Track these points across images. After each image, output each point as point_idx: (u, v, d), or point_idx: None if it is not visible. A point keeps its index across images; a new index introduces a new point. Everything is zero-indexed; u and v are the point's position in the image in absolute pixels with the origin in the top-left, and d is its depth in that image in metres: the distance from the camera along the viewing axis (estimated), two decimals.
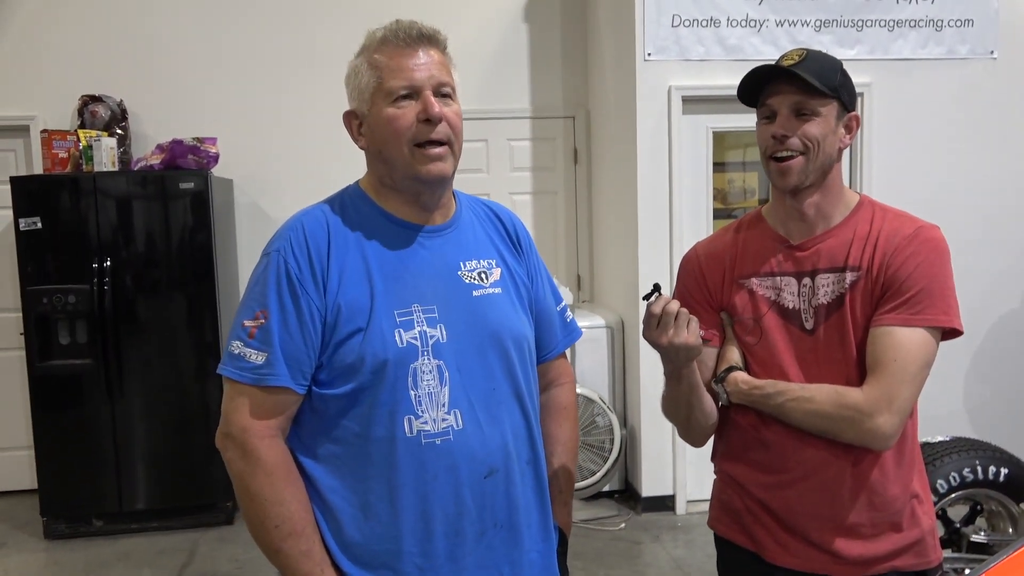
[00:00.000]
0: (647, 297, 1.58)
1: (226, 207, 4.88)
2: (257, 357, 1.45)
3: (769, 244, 1.74)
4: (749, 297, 1.73)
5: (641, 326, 1.62)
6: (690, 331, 1.57)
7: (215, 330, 4.49)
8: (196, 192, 4.42)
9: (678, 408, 1.76)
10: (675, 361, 1.65)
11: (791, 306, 1.69)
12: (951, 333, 1.64)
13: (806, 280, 1.69)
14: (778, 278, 1.71)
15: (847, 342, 1.65)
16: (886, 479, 1.67)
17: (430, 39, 1.51)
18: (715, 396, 1.75)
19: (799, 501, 1.68)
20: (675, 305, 1.56)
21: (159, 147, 4.55)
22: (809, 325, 1.68)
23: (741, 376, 1.71)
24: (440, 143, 1.49)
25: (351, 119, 1.57)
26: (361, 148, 1.57)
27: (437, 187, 1.54)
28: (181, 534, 4.44)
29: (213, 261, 4.47)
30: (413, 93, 1.48)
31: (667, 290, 1.68)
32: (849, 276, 1.66)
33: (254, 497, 1.45)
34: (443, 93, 1.51)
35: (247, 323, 1.47)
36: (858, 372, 1.64)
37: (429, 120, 1.47)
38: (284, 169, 5.05)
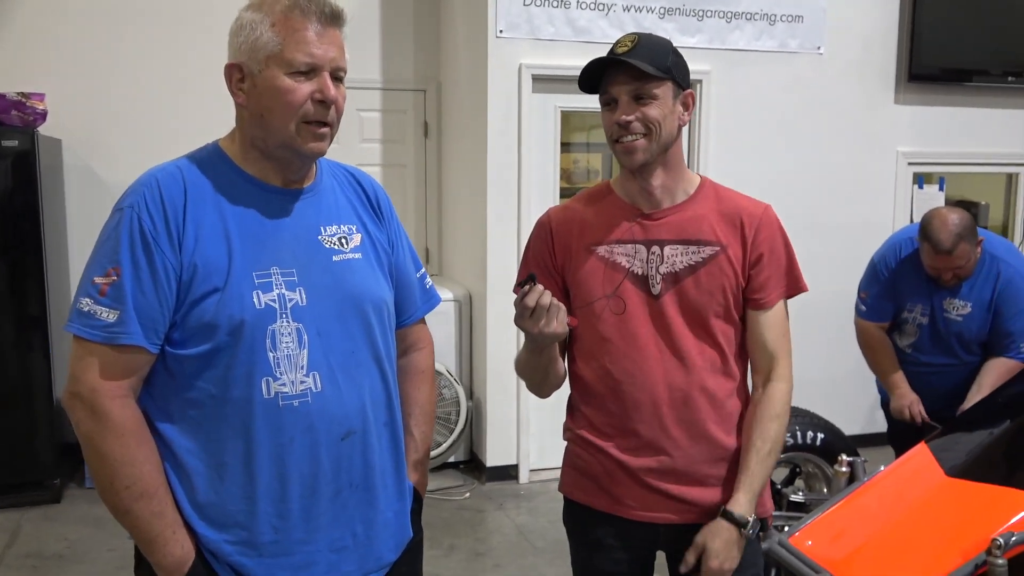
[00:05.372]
0: (523, 284, 1.66)
1: (54, 169, 4.59)
2: (108, 315, 1.41)
3: (620, 213, 1.85)
4: (601, 264, 1.83)
5: (508, 309, 1.72)
6: (559, 321, 1.68)
7: (41, 301, 4.23)
8: (20, 152, 4.13)
9: (535, 372, 1.90)
10: (540, 344, 1.76)
11: (640, 272, 1.81)
12: None
13: (655, 248, 1.81)
14: (630, 245, 1.82)
15: (691, 308, 1.80)
16: (731, 434, 1.84)
17: (338, 19, 1.51)
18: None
19: (656, 460, 1.82)
20: (547, 298, 1.66)
21: None
22: (656, 291, 1.80)
23: None
24: (326, 124, 1.51)
25: (233, 71, 1.52)
26: (238, 103, 1.54)
27: (309, 161, 1.57)
28: (2, 514, 4.18)
29: (40, 226, 4.19)
30: (312, 71, 1.48)
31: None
32: (707, 250, 1.80)
33: (104, 458, 1.42)
34: (338, 77, 1.52)
35: (98, 280, 1.42)
36: (700, 331, 1.80)
37: (323, 102, 1.49)
38: (119, 130, 4.77)
